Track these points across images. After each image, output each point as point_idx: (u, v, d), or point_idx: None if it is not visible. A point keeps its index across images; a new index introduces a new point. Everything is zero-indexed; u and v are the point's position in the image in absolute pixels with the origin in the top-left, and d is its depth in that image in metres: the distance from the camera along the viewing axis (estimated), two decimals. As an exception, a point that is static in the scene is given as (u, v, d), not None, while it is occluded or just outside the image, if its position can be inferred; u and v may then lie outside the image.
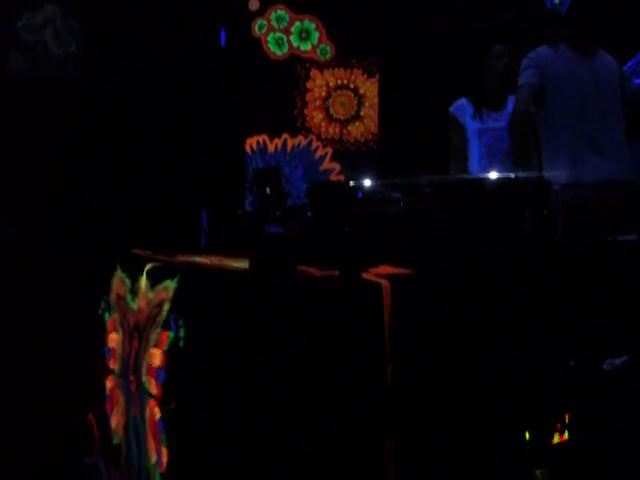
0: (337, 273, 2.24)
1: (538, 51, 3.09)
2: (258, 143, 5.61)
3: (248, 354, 2.00)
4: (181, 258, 2.73)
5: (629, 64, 4.23)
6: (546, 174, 2.76)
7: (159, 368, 2.33)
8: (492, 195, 2.54)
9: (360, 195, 3.02)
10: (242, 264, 2.47)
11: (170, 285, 2.32)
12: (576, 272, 2.37)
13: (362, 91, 5.76)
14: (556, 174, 2.69)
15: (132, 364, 2.54)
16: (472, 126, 3.73)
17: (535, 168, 2.80)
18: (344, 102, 5.76)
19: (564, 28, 3.14)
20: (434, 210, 2.71)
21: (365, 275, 2.16)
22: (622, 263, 2.54)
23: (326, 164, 5.70)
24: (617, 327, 2.68)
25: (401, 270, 2.35)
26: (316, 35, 5.80)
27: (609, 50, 3.28)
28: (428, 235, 2.63)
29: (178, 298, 2.28)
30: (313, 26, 5.79)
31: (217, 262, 2.64)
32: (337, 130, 5.74)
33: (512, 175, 2.83)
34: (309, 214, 3.15)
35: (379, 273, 2.27)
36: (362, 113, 5.76)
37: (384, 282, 2.11)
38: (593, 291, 2.39)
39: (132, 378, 2.54)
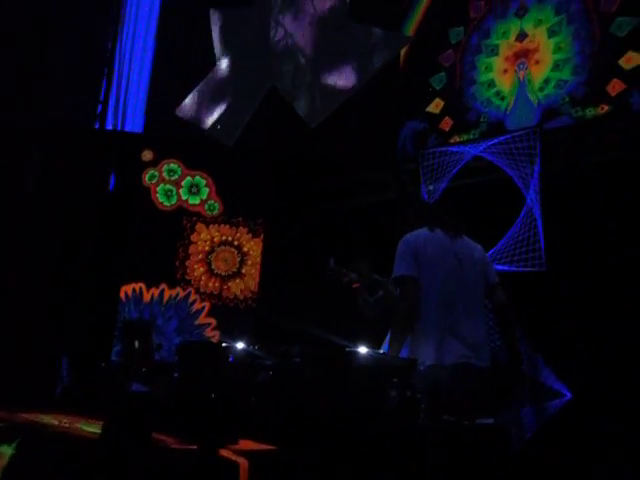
0: (195, 446, 2.12)
1: (414, 237, 3.09)
2: (134, 291, 5.48)
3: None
4: (25, 416, 2.48)
5: (491, 251, 4.66)
6: (412, 356, 2.83)
7: None
8: (360, 370, 2.57)
9: (232, 359, 2.96)
10: (96, 427, 2.28)
11: (6, 451, 2.07)
12: (431, 454, 2.40)
13: (245, 249, 5.89)
14: (421, 356, 2.78)
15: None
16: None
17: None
18: (227, 258, 5.84)
19: (435, 214, 3.29)
20: (302, 381, 2.69)
21: (223, 452, 2.06)
22: (477, 446, 2.61)
23: (202, 318, 5.62)
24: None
25: (263, 446, 2.26)
26: (206, 191, 5.98)
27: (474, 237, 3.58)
28: (294, 408, 2.58)
29: (13, 468, 2.03)
30: (204, 182, 5.98)
31: (67, 424, 2.43)
32: (217, 285, 5.75)
33: (381, 351, 2.91)
34: (176, 374, 3.03)
35: (239, 449, 2.17)
36: (244, 270, 5.84)
37: (242, 460, 2.01)
38: (448, 474, 2.41)
39: None
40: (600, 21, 4.63)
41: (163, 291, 5.56)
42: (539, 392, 4.23)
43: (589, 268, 4.22)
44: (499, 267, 4.55)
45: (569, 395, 4.13)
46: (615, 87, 4.47)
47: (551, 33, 4.91)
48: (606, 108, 4.49)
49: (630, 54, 4.42)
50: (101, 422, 2.21)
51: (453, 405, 2.64)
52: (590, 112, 4.56)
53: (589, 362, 4.04)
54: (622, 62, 4.45)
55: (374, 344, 3.43)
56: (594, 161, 4.45)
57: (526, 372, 4.23)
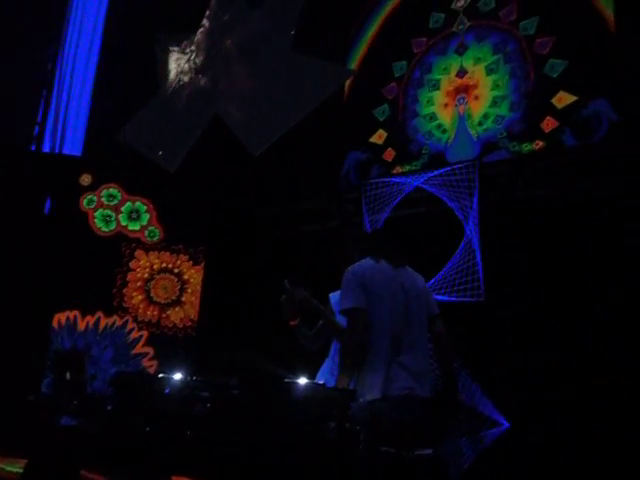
0: (125, 485, 2.03)
1: (360, 268, 3.04)
2: (67, 319, 5.28)
3: None
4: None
5: (432, 281, 4.72)
6: (356, 388, 2.80)
7: None
8: (298, 401, 2.54)
9: (167, 391, 2.87)
10: (18, 467, 2.16)
11: None
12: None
13: (186, 277, 5.78)
14: (364, 389, 2.76)
15: None
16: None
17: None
18: (166, 286, 5.72)
19: (377, 244, 3.30)
20: (240, 413, 2.63)
21: (155, 490, 1.97)
22: (415, 477, 2.60)
23: (139, 347, 5.46)
24: None
25: (197, 482, 2.18)
26: (147, 217, 5.86)
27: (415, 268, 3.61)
28: (231, 441, 2.52)
29: None
30: (144, 208, 5.86)
31: (-13, 463, 2.29)
32: (155, 313, 5.61)
33: (320, 382, 2.87)
34: (109, 407, 2.91)
35: (171, 487, 2.08)
36: (184, 299, 5.72)
37: (174, 500, 1.93)
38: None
39: None
40: (534, 62, 4.84)
41: (99, 319, 5.38)
42: (477, 421, 4.27)
43: (526, 298, 4.32)
44: (439, 297, 4.60)
45: (506, 424, 4.19)
46: (549, 124, 4.65)
47: (489, 71, 5.08)
48: (541, 144, 4.66)
49: (562, 94, 4.62)
50: (25, 461, 2.09)
51: (393, 436, 2.63)
52: (526, 147, 4.72)
53: (526, 391, 4.12)
54: (555, 101, 4.64)
55: (314, 375, 3.41)
56: (529, 194, 4.59)
57: (464, 402, 4.28)
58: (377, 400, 2.80)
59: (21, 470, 2.03)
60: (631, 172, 4.08)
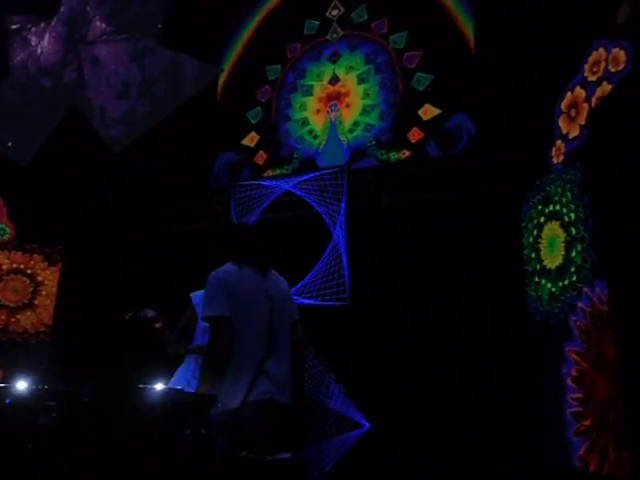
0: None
1: (224, 273, 2.97)
2: None
3: None
4: None
5: (298, 285, 4.73)
6: (220, 393, 2.72)
7: None
8: (153, 407, 2.42)
9: (8, 402, 2.63)
10: None
11: None
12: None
13: (40, 278, 5.37)
14: (226, 396, 2.69)
15: None
16: (202, 324, 3.51)
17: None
18: (17, 288, 5.28)
19: (246, 248, 3.22)
20: (90, 422, 2.47)
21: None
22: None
23: (-18, 356, 5.01)
24: None
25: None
26: (-4, 212, 5.40)
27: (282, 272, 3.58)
28: (80, 453, 2.35)
29: None
30: (-6, 203, 5.40)
31: None
32: (4, 317, 5.15)
33: (177, 388, 2.76)
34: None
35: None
36: (36, 302, 5.31)
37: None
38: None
39: None
40: (403, 74, 5.01)
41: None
42: (339, 424, 4.32)
43: (392, 303, 4.45)
44: (305, 301, 4.62)
45: (367, 425, 4.27)
46: (415, 135, 4.83)
47: (360, 80, 5.20)
48: (407, 153, 4.83)
49: (427, 106, 4.82)
50: None
51: (252, 441, 2.58)
52: (394, 156, 4.87)
53: (387, 393, 4.22)
54: (421, 113, 4.83)
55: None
56: (396, 200, 4.74)
57: (323, 405, 4.32)
58: (238, 407, 2.74)
59: None
60: (488, 181, 4.32)
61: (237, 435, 2.58)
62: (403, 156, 4.84)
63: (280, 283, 3.23)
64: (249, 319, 2.91)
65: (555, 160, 3.70)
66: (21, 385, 2.74)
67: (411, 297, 4.40)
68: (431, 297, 4.32)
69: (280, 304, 3.09)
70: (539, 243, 3.73)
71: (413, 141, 4.82)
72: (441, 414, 4.01)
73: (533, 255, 3.79)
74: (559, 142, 3.69)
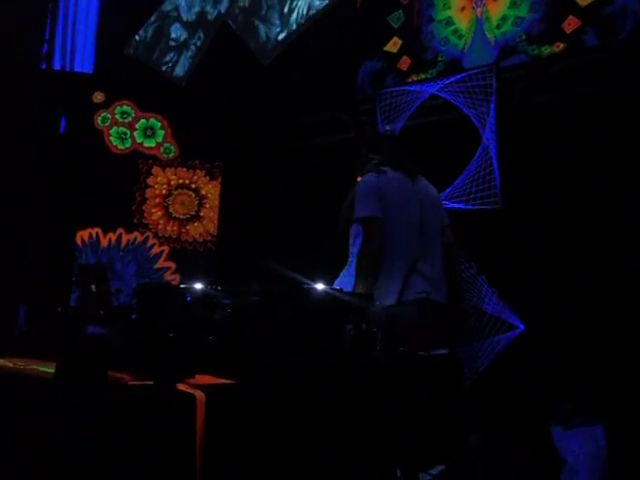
0: (151, 382, 2.13)
1: (375, 177, 3.06)
2: (90, 236, 5.38)
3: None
4: (-23, 360, 2.44)
5: (448, 190, 4.70)
6: (375, 291, 2.86)
7: None
8: (316, 306, 2.60)
9: (189, 299, 2.96)
10: (50, 368, 2.27)
11: (-42, 392, 2.04)
12: (391, 384, 2.47)
13: (203, 192, 5.81)
14: (381, 295, 2.82)
15: None
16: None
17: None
18: (184, 201, 5.76)
19: (395, 153, 3.26)
20: (261, 319, 2.71)
21: (180, 386, 2.07)
22: (431, 375, 2.70)
23: (161, 262, 5.58)
24: (432, 439, 2.77)
25: (221, 380, 2.28)
26: (161, 133, 5.83)
27: (430, 176, 3.59)
28: (252, 344, 2.61)
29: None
30: (159, 124, 5.83)
31: (21, 366, 2.40)
32: (175, 229, 5.68)
33: (337, 288, 2.94)
34: (134, 316, 3.01)
35: (196, 383, 2.18)
36: (202, 214, 5.78)
37: (198, 393, 2.03)
38: (406, 402, 2.49)
39: None
40: (558, -43, 4.58)
41: (121, 236, 5.48)
42: (493, 325, 4.36)
43: (544, 205, 4.30)
44: (455, 205, 4.60)
45: (522, 327, 4.27)
46: (571, 24, 4.46)
47: (508, -31, 4.84)
48: (561, 46, 4.49)
49: (586, -10, 4.40)
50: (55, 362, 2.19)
51: (409, 338, 2.71)
52: (546, 50, 4.56)
53: (543, 297, 4.17)
54: (578, -2, 4.44)
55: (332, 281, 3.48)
56: (549, 98, 4.47)
57: (476, 308, 4.36)
58: (394, 305, 2.87)
59: (52, 370, 2.13)
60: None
61: (395, 331, 2.73)
62: (557, 49, 4.51)
63: (429, 188, 3.26)
64: (400, 222, 2.99)
65: None
66: (199, 286, 3.06)
67: (566, 199, 4.22)
68: (589, 201, 4.11)
69: (430, 208, 3.14)
70: None
71: (568, 32, 4.46)
72: (597, 316, 3.90)
73: None
74: None
